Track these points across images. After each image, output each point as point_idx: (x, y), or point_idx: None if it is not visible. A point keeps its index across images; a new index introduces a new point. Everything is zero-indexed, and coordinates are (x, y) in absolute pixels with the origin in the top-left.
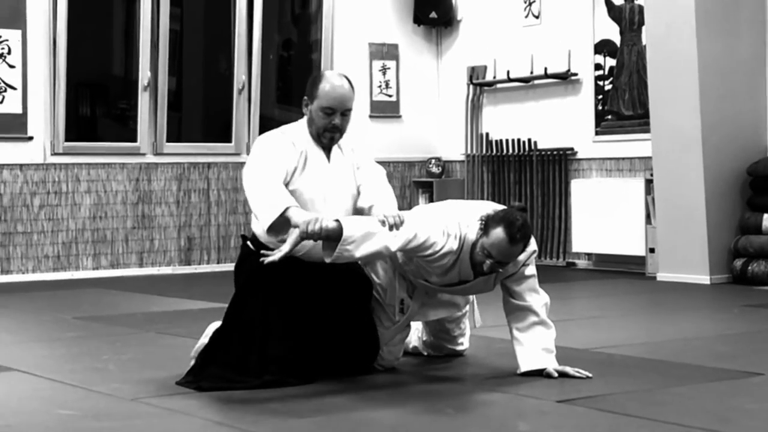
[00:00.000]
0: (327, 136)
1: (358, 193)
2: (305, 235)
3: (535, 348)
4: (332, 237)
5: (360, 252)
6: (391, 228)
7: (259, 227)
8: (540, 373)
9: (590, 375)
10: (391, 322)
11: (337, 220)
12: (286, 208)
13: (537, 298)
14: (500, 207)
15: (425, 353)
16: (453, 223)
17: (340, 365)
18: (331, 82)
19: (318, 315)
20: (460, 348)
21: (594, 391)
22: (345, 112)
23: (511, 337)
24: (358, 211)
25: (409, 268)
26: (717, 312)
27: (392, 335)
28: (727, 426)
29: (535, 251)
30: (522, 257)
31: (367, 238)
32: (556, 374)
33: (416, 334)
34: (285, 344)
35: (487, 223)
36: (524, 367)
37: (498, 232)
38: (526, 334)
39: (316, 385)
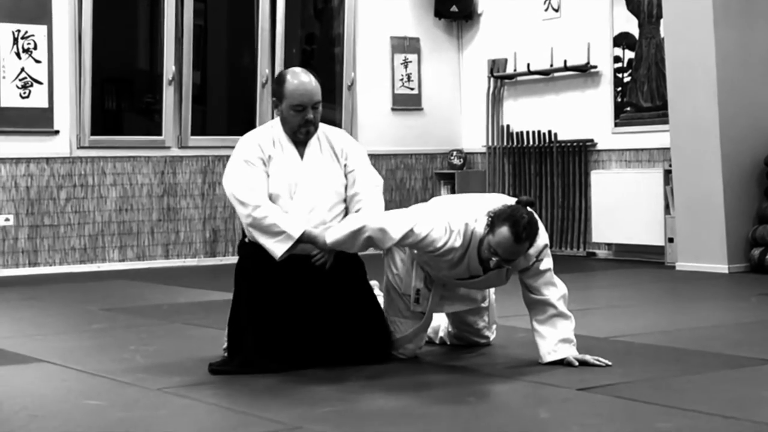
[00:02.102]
0: (303, 131)
1: (345, 189)
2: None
3: (554, 339)
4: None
5: (355, 249)
6: None
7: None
8: (561, 363)
9: (610, 363)
10: (408, 311)
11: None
12: (296, 240)
13: (554, 291)
14: (510, 200)
15: (448, 342)
16: (458, 219)
17: (356, 352)
18: (296, 79)
19: (320, 303)
20: (484, 341)
21: (614, 379)
22: (315, 106)
23: (532, 329)
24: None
25: (423, 260)
26: (735, 300)
27: (413, 326)
28: (745, 413)
29: (546, 245)
30: (533, 251)
31: (357, 235)
32: (576, 363)
33: (443, 325)
34: (296, 331)
35: (494, 221)
36: (545, 358)
37: (503, 231)
38: (546, 326)
39: (340, 374)
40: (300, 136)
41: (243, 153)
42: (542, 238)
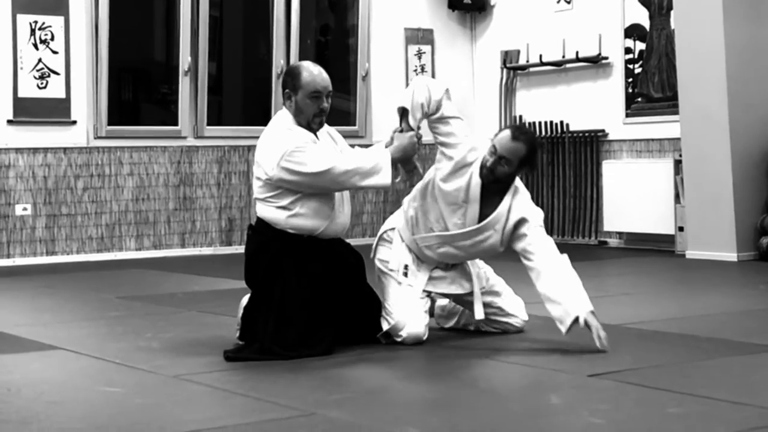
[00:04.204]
0: (317, 121)
1: None
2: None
3: (568, 300)
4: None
5: (416, 102)
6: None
7: (275, 214)
8: (575, 338)
9: (607, 350)
10: (401, 291)
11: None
12: (389, 158)
13: (552, 249)
14: None
15: (483, 329)
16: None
17: (354, 332)
18: (310, 70)
19: (336, 289)
20: (514, 321)
21: (624, 365)
22: (328, 94)
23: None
24: None
25: (426, 206)
26: (744, 288)
27: (404, 295)
28: (754, 398)
29: (539, 213)
30: (528, 215)
31: (412, 88)
32: (582, 324)
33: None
34: (315, 319)
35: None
36: (567, 321)
37: (504, 131)
38: (554, 289)
39: (355, 361)
40: (314, 126)
41: (294, 140)
42: (538, 211)
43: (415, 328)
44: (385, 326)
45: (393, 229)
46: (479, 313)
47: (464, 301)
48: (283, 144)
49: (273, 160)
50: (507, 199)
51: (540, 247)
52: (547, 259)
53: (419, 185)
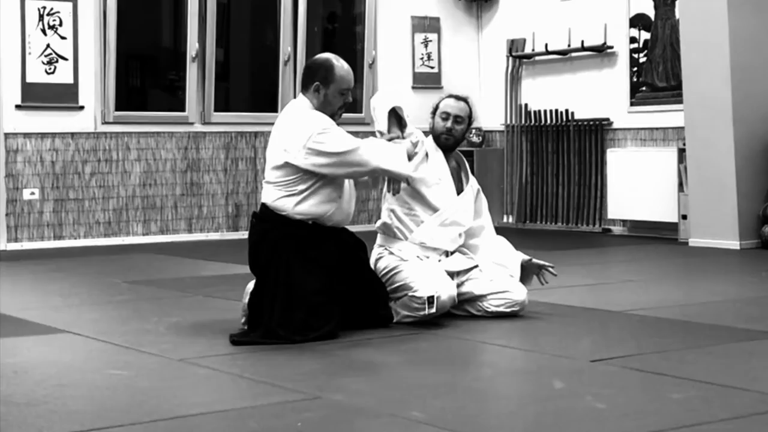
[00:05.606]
0: (339, 113)
1: None
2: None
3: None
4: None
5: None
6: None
7: (284, 200)
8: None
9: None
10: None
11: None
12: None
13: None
14: None
15: (487, 310)
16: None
17: (358, 316)
18: (341, 65)
19: (340, 274)
20: (515, 296)
21: (627, 351)
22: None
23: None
24: None
25: (408, 204)
26: (746, 276)
27: (425, 268)
28: (755, 384)
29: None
30: (479, 189)
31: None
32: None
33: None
34: (320, 303)
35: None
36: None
37: (447, 99)
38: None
39: (359, 345)
40: (336, 118)
41: (320, 123)
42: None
43: (449, 289)
44: (420, 293)
45: (384, 248)
46: (492, 275)
47: (464, 293)
48: (309, 127)
49: (300, 142)
50: (468, 170)
51: (490, 230)
52: (493, 239)
53: (387, 198)
